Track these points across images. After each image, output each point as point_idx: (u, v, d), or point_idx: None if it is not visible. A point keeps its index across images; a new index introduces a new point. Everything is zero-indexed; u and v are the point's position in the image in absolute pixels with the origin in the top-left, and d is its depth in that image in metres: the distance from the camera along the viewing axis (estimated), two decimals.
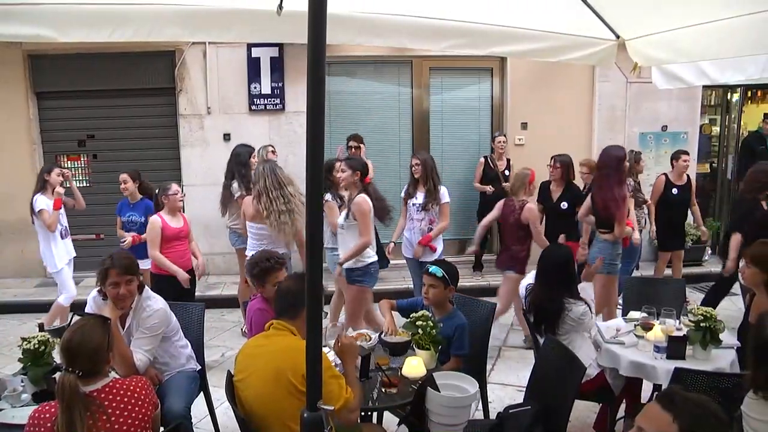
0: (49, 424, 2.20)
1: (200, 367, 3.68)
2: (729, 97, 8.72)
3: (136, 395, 2.38)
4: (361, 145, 6.69)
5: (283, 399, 2.45)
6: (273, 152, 6.67)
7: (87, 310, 3.35)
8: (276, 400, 2.48)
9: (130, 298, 3.19)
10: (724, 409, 1.70)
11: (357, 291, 4.79)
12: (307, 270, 1.84)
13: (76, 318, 2.61)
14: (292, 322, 2.68)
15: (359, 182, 4.68)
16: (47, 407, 2.27)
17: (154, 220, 4.96)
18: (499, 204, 5.47)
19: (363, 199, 4.58)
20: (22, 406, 2.84)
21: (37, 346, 3.00)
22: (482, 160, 7.36)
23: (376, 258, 4.80)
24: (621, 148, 5.18)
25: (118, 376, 2.61)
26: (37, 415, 2.25)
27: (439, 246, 5.45)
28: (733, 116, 8.78)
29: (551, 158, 5.99)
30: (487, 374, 4.33)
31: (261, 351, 2.66)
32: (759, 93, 9.64)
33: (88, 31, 2.94)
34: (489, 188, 7.23)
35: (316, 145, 1.74)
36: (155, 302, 3.32)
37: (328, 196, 5.13)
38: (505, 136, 7.40)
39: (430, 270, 3.59)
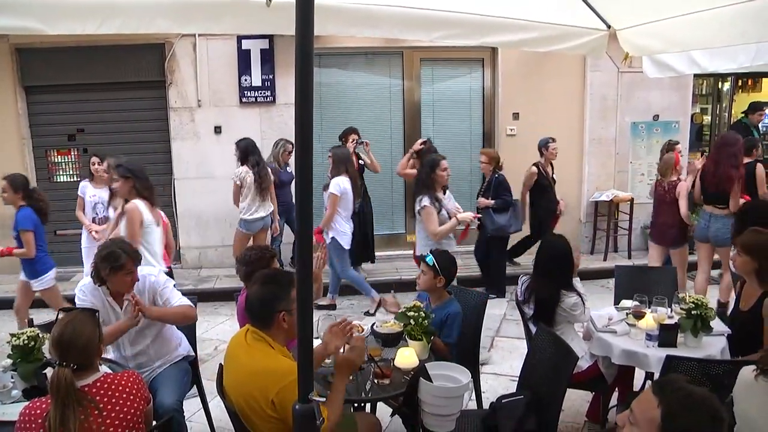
0: (39, 420, 2.18)
1: (192, 352, 3.74)
2: (720, 87, 8.75)
3: (127, 390, 2.36)
4: None
5: (254, 416, 2.44)
6: (291, 153, 6.77)
7: (82, 301, 3.32)
8: (249, 417, 2.47)
9: None
10: (716, 396, 1.71)
11: None
12: (298, 263, 1.83)
13: (62, 314, 2.56)
14: (268, 332, 2.53)
15: (134, 189, 4.53)
16: (38, 403, 2.26)
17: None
18: (652, 189, 6.18)
19: (134, 206, 4.49)
20: (12, 402, 2.82)
21: (26, 341, 2.97)
22: (534, 169, 6.80)
23: None
24: (738, 134, 5.85)
25: (109, 371, 2.60)
26: (27, 411, 2.23)
27: (338, 237, 5.81)
28: (724, 105, 8.81)
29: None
30: (480, 364, 4.35)
31: (238, 363, 2.57)
32: (749, 82, 9.69)
33: (76, 24, 2.89)
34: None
35: (305, 138, 1.73)
36: (141, 271, 3.40)
37: (426, 201, 4.84)
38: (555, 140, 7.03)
39: (424, 257, 3.71)
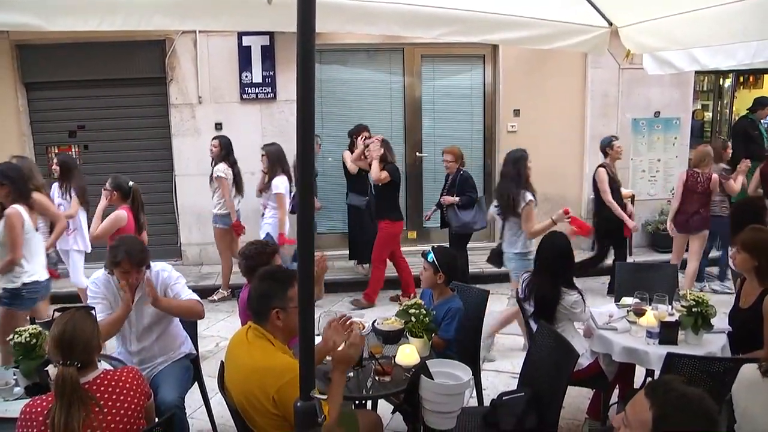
0: (41, 418, 2.19)
1: (194, 350, 3.75)
2: (721, 83, 8.73)
3: (127, 386, 2.37)
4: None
5: (255, 413, 2.45)
6: (320, 145, 6.84)
7: (94, 293, 3.35)
8: (250, 414, 2.47)
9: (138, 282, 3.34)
10: (714, 393, 1.70)
11: (3, 312, 4.31)
12: (300, 259, 1.83)
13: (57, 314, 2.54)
14: (265, 327, 2.56)
15: (11, 194, 4.29)
16: (39, 401, 2.26)
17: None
18: (682, 177, 6.14)
19: (15, 210, 4.22)
20: (14, 399, 2.83)
21: (28, 339, 2.98)
22: (603, 171, 6.19)
23: (35, 278, 4.33)
24: None
25: (109, 367, 2.61)
26: (28, 409, 2.24)
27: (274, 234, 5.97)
28: (725, 102, 8.79)
29: None
30: (481, 361, 4.35)
31: (239, 360, 2.58)
32: (751, 78, 9.69)
33: (76, 20, 2.90)
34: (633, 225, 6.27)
35: (306, 135, 1.73)
36: (154, 267, 3.42)
37: (528, 196, 4.78)
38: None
39: (426, 254, 3.73)
